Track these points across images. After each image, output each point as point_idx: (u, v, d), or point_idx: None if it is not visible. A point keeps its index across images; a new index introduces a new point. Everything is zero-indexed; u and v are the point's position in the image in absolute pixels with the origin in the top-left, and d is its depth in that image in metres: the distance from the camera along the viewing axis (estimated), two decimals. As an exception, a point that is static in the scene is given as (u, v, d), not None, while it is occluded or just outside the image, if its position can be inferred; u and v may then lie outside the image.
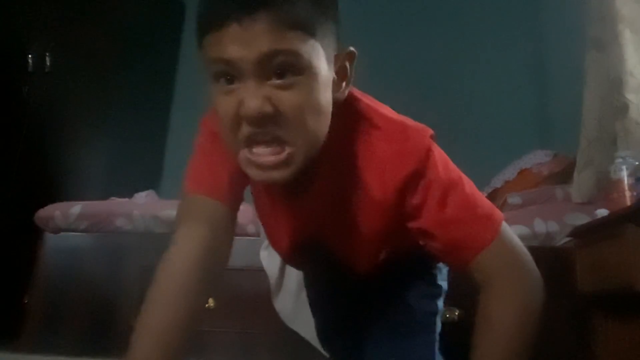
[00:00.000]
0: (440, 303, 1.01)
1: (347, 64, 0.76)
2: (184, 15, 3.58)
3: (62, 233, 1.95)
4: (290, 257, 0.96)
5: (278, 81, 0.66)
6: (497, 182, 2.25)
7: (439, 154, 0.78)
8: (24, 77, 2.51)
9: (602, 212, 1.49)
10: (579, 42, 1.79)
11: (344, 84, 0.76)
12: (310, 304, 1.18)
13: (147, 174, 3.00)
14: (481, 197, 0.79)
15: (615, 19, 1.55)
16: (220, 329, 1.72)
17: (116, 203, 2.07)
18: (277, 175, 0.69)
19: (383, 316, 0.97)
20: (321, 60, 0.69)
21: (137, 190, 2.37)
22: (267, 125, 0.66)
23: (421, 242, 0.80)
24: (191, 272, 0.75)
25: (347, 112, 0.77)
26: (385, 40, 3.06)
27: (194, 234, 0.77)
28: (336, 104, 0.74)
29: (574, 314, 1.57)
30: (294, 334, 1.68)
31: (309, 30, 0.66)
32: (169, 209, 1.86)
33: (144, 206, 1.98)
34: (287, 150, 0.68)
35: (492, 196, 2.23)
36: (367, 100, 0.82)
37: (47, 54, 2.55)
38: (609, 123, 1.57)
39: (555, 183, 2.05)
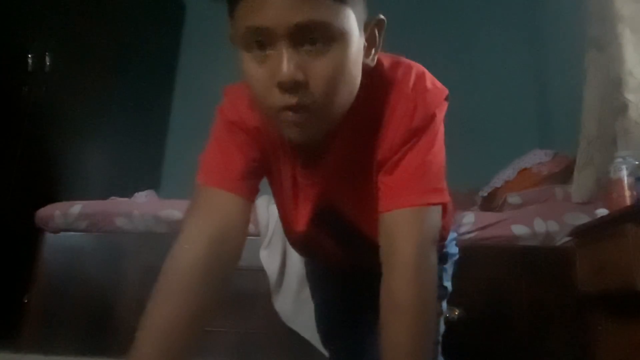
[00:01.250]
0: (444, 304, 1.00)
1: (377, 32, 0.77)
2: (184, 16, 3.58)
3: (62, 233, 1.95)
4: (305, 235, 0.92)
5: (311, 48, 0.66)
6: (497, 181, 2.25)
7: (439, 122, 0.79)
8: (23, 77, 2.51)
9: (601, 212, 1.49)
10: (579, 42, 1.79)
11: (373, 50, 0.76)
12: (312, 296, 1.17)
13: (147, 174, 3.00)
14: (441, 176, 0.78)
15: (615, 19, 1.55)
16: (220, 329, 1.72)
17: (116, 203, 2.07)
18: (302, 136, 0.71)
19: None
20: (353, 27, 0.69)
21: (137, 190, 2.37)
22: (299, 92, 0.66)
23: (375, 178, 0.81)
24: (197, 267, 0.73)
25: (373, 76, 0.77)
26: (385, 40, 3.05)
27: (202, 228, 0.76)
28: (365, 70, 0.75)
29: (574, 313, 1.57)
30: (294, 333, 1.69)
31: (341, 0, 0.66)
32: (169, 209, 1.86)
33: (144, 206, 1.98)
34: (315, 116, 0.69)
35: (492, 195, 2.23)
36: (390, 61, 0.82)
37: (47, 54, 2.55)
38: (609, 123, 1.57)
39: (555, 183, 2.05)
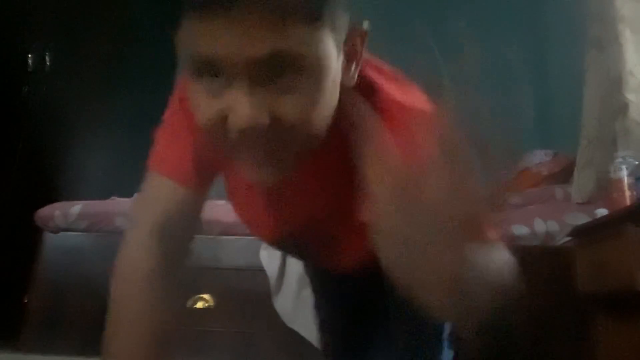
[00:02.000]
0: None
1: (359, 44, 0.63)
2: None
3: (62, 233, 1.95)
4: (276, 244, 0.88)
5: (277, 83, 0.53)
6: (497, 181, 2.24)
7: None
8: (24, 77, 2.51)
9: (602, 212, 1.49)
10: (579, 42, 1.79)
11: (353, 66, 0.62)
12: (314, 294, 1.16)
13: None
14: None
15: (615, 18, 1.55)
16: (220, 329, 1.72)
17: (116, 203, 2.07)
18: (270, 178, 0.59)
19: (387, 322, 0.94)
20: (330, 50, 0.55)
21: (137, 190, 2.37)
22: (261, 136, 0.53)
23: None
24: (144, 270, 0.71)
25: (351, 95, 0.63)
26: (384, 40, 3.06)
27: (147, 219, 0.73)
28: (343, 90, 0.61)
29: (574, 314, 1.57)
30: (294, 333, 1.69)
31: (316, 18, 0.53)
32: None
33: (144, 206, 1.97)
34: (282, 156, 0.57)
35: (492, 196, 2.23)
36: (373, 75, 0.67)
37: (47, 54, 2.55)
38: (609, 122, 1.57)
39: (555, 182, 2.05)
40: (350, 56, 0.61)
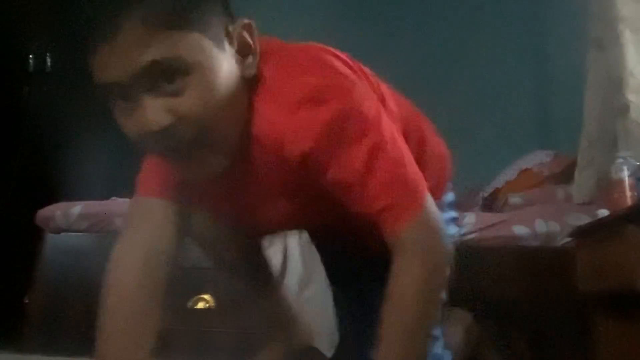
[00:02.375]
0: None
1: (248, 36, 0.70)
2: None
3: (62, 233, 1.95)
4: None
5: (170, 87, 0.61)
6: (498, 182, 2.24)
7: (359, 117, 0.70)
8: (24, 78, 2.51)
9: (603, 213, 1.49)
10: (580, 42, 1.79)
11: (250, 58, 0.70)
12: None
13: (147, 174, 3.00)
14: (408, 173, 0.73)
15: (615, 19, 1.55)
16: (220, 329, 1.72)
17: (117, 203, 2.07)
18: (201, 173, 0.69)
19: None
20: (209, 50, 0.63)
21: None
22: (174, 132, 0.62)
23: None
24: (131, 279, 0.77)
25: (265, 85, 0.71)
26: (385, 40, 3.06)
27: (133, 240, 0.80)
28: (247, 80, 0.69)
29: (574, 314, 1.57)
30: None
31: (183, 24, 0.60)
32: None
33: (144, 206, 1.98)
34: (201, 150, 0.66)
35: (493, 196, 2.23)
36: (274, 60, 0.72)
37: (48, 54, 2.55)
38: (610, 123, 1.57)
39: (556, 183, 2.05)
40: (243, 50, 0.69)
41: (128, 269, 0.77)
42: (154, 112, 0.60)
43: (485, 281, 1.63)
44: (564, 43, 2.58)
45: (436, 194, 0.84)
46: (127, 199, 2.21)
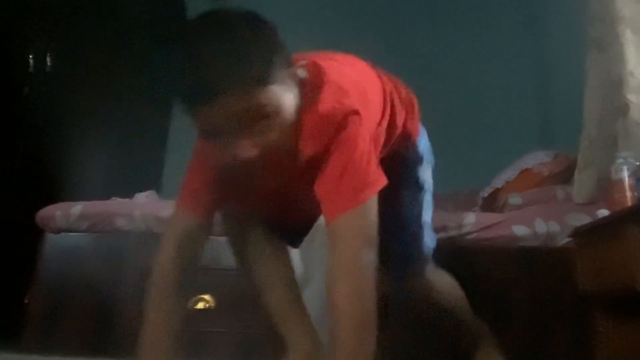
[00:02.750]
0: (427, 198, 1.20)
1: (301, 73, 0.88)
2: (185, 15, 3.57)
3: (62, 233, 1.95)
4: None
5: (254, 128, 0.80)
6: (498, 182, 2.24)
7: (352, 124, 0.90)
8: (24, 78, 2.51)
9: (603, 213, 1.49)
10: (580, 43, 1.79)
11: (296, 70, 0.88)
12: None
13: (147, 174, 3.00)
14: (368, 168, 0.89)
15: (615, 19, 1.55)
16: (220, 329, 1.72)
17: (117, 203, 2.07)
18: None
19: None
20: (283, 95, 0.82)
21: (138, 190, 2.37)
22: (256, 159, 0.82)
23: None
24: (169, 275, 0.96)
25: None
26: (385, 40, 3.06)
27: (172, 240, 1.00)
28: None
29: (574, 314, 1.57)
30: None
31: (265, 82, 0.78)
32: (169, 209, 1.85)
33: (144, 206, 1.98)
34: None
35: (493, 196, 2.23)
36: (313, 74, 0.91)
37: (48, 54, 2.55)
38: (610, 123, 1.57)
39: (556, 183, 2.05)
40: (299, 84, 0.88)
41: (164, 269, 0.97)
42: (244, 148, 0.80)
43: (485, 281, 1.63)
44: (564, 43, 2.58)
45: (413, 133, 1.13)
46: (127, 199, 2.21)
